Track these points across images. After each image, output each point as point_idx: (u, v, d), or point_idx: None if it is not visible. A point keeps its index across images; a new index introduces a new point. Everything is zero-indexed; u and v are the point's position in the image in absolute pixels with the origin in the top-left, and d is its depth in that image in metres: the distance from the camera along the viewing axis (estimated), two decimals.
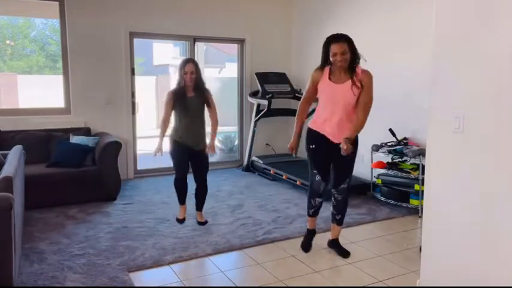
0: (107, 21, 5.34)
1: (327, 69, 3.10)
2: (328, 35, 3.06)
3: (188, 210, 3.89)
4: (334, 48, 2.96)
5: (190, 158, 3.73)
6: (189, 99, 3.62)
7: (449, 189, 2.39)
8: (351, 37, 3.01)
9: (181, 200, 3.84)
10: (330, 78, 3.07)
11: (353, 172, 3.30)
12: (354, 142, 3.05)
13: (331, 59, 3.00)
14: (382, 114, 4.94)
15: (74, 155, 4.55)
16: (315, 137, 3.19)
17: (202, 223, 3.84)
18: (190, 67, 3.56)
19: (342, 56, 2.95)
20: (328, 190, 3.31)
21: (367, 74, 3.05)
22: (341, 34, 3.01)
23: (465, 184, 2.30)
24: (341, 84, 3.04)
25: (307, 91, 3.22)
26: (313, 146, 3.21)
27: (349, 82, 3.02)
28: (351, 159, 3.19)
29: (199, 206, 3.90)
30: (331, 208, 3.36)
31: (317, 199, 3.30)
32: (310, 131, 3.23)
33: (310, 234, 3.41)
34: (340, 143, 3.02)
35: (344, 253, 3.30)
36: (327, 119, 3.11)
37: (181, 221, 3.83)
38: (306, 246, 3.36)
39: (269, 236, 3.62)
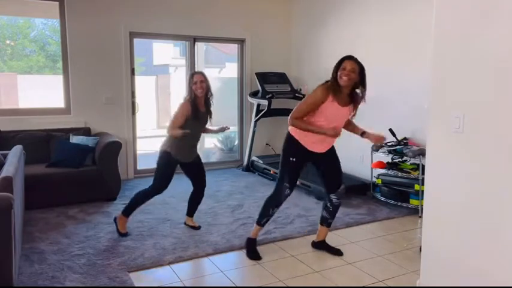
0: (107, 21, 5.34)
1: (330, 92, 3.00)
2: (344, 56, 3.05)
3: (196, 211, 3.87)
4: (345, 63, 2.98)
5: (186, 167, 3.69)
6: (201, 115, 3.55)
7: (449, 190, 2.39)
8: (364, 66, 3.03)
9: (131, 212, 3.65)
10: (335, 99, 3.00)
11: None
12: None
13: (338, 73, 2.97)
14: (382, 114, 4.94)
15: (73, 155, 4.55)
16: (299, 151, 3.10)
17: (196, 227, 3.80)
18: (199, 77, 3.46)
19: (350, 73, 2.94)
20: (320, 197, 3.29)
21: (362, 99, 3.10)
22: (355, 57, 3.03)
23: (465, 184, 2.30)
24: (345, 107, 3.05)
25: (308, 109, 3.00)
26: (294, 160, 3.11)
27: (351, 106, 3.08)
28: (338, 160, 3.23)
29: (194, 211, 3.86)
30: (324, 213, 3.32)
31: (276, 209, 3.25)
32: (295, 143, 3.10)
33: (254, 243, 3.32)
34: (328, 150, 3.12)
35: (337, 252, 3.30)
36: (321, 140, 3.07)
37: (123, 234, 3.61)
38: (258, 255, 3.24)
39: (269, 236, 3.62)
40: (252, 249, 3.28)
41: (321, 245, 3.39)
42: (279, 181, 3.19)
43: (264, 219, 3.28)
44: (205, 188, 3.81)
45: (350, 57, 3.01)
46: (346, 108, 3.06)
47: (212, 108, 3.67)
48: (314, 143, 3.09)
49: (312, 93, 3.03)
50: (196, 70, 3.65)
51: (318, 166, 3.23)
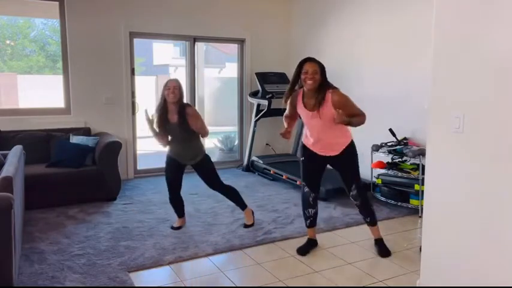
0: (107, 21, 5.34)
1: (300, 94, 3.14)
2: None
3: (195, 211, 3.88)
4: (306, 66, 3.03)
5: (195, 170, 3.75)
6: (170, 126, 3.54)
7: (449, 189, 2.39)
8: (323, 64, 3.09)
9: (178, 213, 3.85)
10: (304, 106, 3.12)
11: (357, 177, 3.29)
12: (349, 147, 3.19)
13: (301, 77, 3.03)
14: (382, 114, 4.94)
15: (73, 155, 4.55)
16: (306, 152, 3.28)
17: (248, 226, 3.81)
18: (172, 83, 3.48)
19: (312, 75, 2.98)
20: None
21: (335, 93, 3.03)
22: (314, 58, 3.11)
23: (465, 184, 2.30)
24: (312, 111, 3.07)
25: (289, 110, 3.28)
26: (303, 158, 3.29)
27: (324, 109, 3.03)
28: (351, 163, 3.24)
29: (239, 205, 3.90)
30: (360, 214, 3.41)
31: (310, 210, 3.35)
32: (303, 145, 3.31)
33: (309, 243, 3.40)
34: (334, 155, 3.18)
35: (383, 253, 3.28)
36: (316, 141, 3.19)
37: (176, 228, 3.78)
38: (303, 252, 3.31)
39: (269, 236, 3.62)
40: (303, 245, 3.36)
41: (376, 243, 3.39)
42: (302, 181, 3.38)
43: (306, 221, 3.42)
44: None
45: (309, 59, 3.07)
46: (314, 113, 3.05)
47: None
48: (313, 144, 3.22)
49: None
50: (171, 78, 3.63)
51: (334, 168, 3.31)
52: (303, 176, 3.33)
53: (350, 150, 3.22)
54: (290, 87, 3.16)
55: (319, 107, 3.02)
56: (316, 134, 3.15)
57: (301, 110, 3.17)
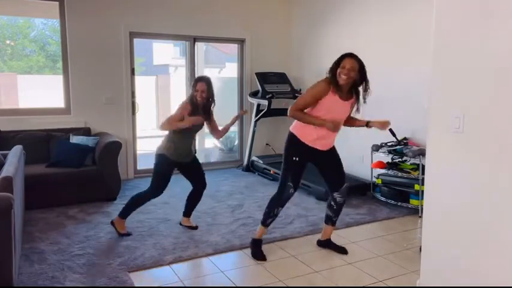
0: (107, 21, 5.34)
1: (332, 86, 3.00)
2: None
3: (195, 211, 3.88)
4: (346, 61, 2.96)
5: (185, 170, 3.71)
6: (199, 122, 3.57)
7: (449, 189, 2.39)
8: (364, 64, 3.02)
9: (128, 214, 3.67)
10: (337, 95, 3.01)
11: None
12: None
13: (338, 71, 2.96)
14: (382, 114, 4.93)
15: (73, 155, 4.55)
16: (301, 149, 3.11)
17: (194, 228, 3.80)
18: (201, 86, 3.49)
19: (349, 72, 2.93)
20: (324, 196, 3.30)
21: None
22: (355, 55, 3.01)
23: (465, 184, 2.30)
24: (346, 102, 3.06)
25: (307, 103, 3.02)
26: (297, 159, 3.11)
27: (352, 100, 3.07)
28: (339, 158, 3.25)
29: (191, 211, 3.84)
30: (328, 211, 3.33)
31: (280, 208, 3.26)
32: (298, 142, 3.10)
33: (260, 244, 3.31)
34: (329, 149, 3.14)
35: (342, 250, 3.32)
36: (322, 136, 3.06)
37: (125, 234, 3.62)
38: (263, 256, 3.23)
39: (269, 236, 3.62)
40: (257, 250, 3.27)
41: (326, 244, 3.40)
42: (282, 181, 3.18)
43: (268, 219, 3.27)
44: (206, 188, 3.81)
45: (350, 55, 2.99)
46: (346, 103, 3.06)
47: (213, 112, 3.71)
48: (315, 140, 3.08)
49: (313, 87, 3.04)
50: (202, 76, 3.61)
51: (319, 165, 3.23)
52: (294, 177, 3.14)
53: (334, 147, 3.24)
54: (332, 78, 2.98)
55: (356, 97, 3.06)
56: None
57: (330, 99, 2.98)
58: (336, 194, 3.25)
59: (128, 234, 3.60)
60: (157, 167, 3.55)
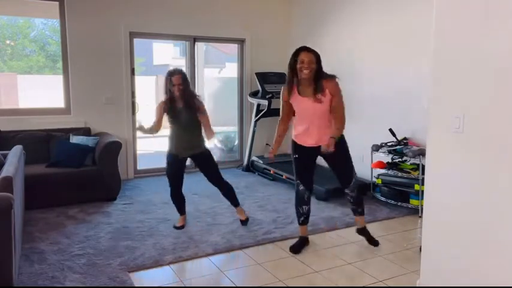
0: (107, 21, 5.34)
1: (295, 86, 3.16)
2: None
3: (195, 211, 3.88)
4: (302, 55, 3.04)
5: (196, 163, 3.78)
6: (179, 110, 3.61)
7: (449, 189, 2.39)
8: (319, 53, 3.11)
9: (179, 210, 3.86)
10: (299, 93, 3.15)
11: (354, 168, 3.34)
12: (338, 141, 3.18)
13: (298, 67, 3.05)
14: (382, 114, 4.94)
15: (73, 155, 4.55)
16: (298, 148, 3.29)
17: (244, 221, 3.85)
18: (176, 79, 3.52)
19: (309, 65, 3.01)
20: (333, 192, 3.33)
21: (330, 80, 3.12)
22: (309, 47, 3.10)
23: (465, 184, 2.30)
24: (309, 97, 3.11)
25: (283, 110, 3.30)
26: (297, 156, 3.30)
27: (321, 95, 3.10)
28: (344, 155, 3.28)
29: (233, 203, 3.90)
30: (350, 205, 3.45)
31: (304, 207, 3.39)
32: (293, 142, 3.31)
33: (302, 241, 3.43)
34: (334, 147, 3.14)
35: (373, 242, 3.41)
36: (306, 131, 3.20)
37: (179, 228, 3.79)
38: (296, 250, 3.33)
39: (269, 236, 3.62)
40: (295, 243, 3.37)
41: (361, 232, 3.49)
42: (295, 181, 3.41)
43: (299, 218, 3.44)
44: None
45: (304, 48, 3.07)
46: (311, 100, 3.10)
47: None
48: (299, 135, 3.25)
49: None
50: (174, 69, 3.64)
51: (327, 162, 3.34)
52: (298, 173, 3.35)
53: (341, 144, 3.25)
54: (290, 79, 3.13)
55: (321, 92, 3.08)
56: (310, 122, 3.16)
57: (297, 99, 3.17)
58: (346, 190, 3.36)
59: (180, 228, 3.76)
60: (166, 165, 3.75)
